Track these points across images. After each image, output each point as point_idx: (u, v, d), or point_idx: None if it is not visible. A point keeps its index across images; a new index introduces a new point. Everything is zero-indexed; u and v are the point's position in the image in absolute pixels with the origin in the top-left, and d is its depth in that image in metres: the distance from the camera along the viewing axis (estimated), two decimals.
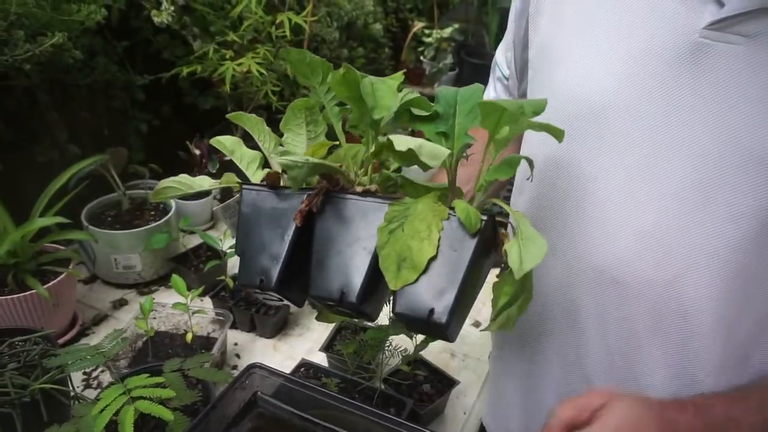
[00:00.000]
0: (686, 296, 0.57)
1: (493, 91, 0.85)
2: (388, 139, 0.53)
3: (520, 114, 0.51)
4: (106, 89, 1.36)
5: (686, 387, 0.60)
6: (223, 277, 1.14)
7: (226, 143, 0.67)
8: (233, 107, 1.55)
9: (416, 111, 0.58)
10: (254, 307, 1.11)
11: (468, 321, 1.21)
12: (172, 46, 1.42)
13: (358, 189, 0.58)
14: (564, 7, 0.64)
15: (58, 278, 0.99)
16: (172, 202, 1.27)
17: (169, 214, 1.22)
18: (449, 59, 2.31)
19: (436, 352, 1.09)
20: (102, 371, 1.00)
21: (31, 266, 1.00)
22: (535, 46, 0.69)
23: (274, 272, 0.58)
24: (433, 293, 0.51)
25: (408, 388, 0.97)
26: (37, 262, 1.02)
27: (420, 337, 0.95)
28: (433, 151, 0.52)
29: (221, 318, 1.05)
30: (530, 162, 0.54)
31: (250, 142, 0.68)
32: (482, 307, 1.25)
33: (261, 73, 1.33)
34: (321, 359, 1.01)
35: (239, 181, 0.64)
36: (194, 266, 1.22)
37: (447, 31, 2.25)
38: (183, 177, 0.65)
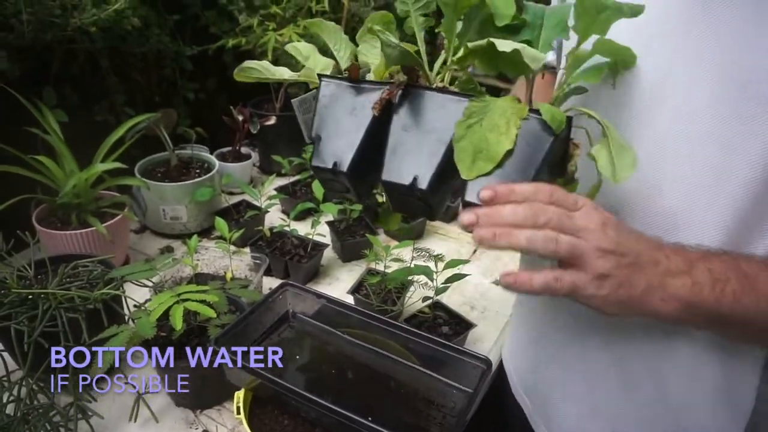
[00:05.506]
0: (686, 230, 0.59)
1: None
2: (490, 41, 0.53)
3: (618, 11, 0.51)
4: (158, 59, 1.48)
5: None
6: (260, 228, 1.23)
7: (302, 49, 0.69)
8: (274, 81, 1.64)
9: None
10: (288, 256, 1.20)
11: (488, 279, 1.28)
12: (218, 21, 1.53)
13: (438, 85, 0.60)
14: None
15: (115, 219, 1.10)
16: (216, 162, 1.38)
17: (213, 171, 1.32)
18: None
19: (456, 304, 1.16)
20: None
21: (91, 207, 1.12)
22: None
23: (348, 157, 0.59)
24: None
25: (428, 329, 1.04)
26: (97, 205, 1.13)
27: (440, 280, 1.02)
28: (534, 54, 0.53)
29: (258, 262, 1.14)
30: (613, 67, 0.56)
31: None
32: (503, 266, 1.30)
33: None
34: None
35: (318, 74, 0.65)
36: (234, 220, 1.32)
37: None
38: (264, 63, 0.68)
